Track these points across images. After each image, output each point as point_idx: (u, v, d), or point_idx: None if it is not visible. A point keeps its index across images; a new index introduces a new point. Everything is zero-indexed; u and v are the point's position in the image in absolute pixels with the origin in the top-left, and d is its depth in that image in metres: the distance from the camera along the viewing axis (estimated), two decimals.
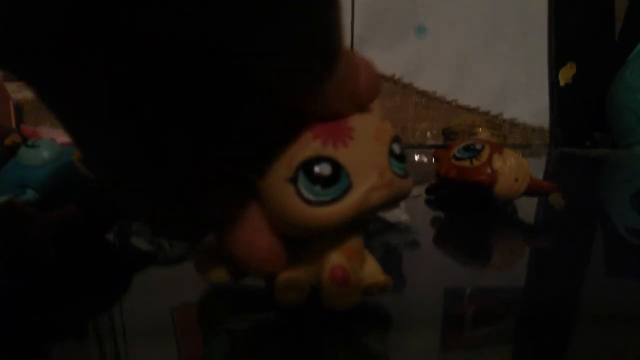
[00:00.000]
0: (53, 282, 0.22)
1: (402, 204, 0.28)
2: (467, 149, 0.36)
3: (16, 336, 0.16)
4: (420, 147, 1.01)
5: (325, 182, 0.14)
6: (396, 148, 0.15)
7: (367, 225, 0.26)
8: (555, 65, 1.08)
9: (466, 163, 0.34)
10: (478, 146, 0.35)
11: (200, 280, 0.23)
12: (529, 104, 1.08)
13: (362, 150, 0.14)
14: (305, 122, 0.14)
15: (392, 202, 0.16)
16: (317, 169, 0.13)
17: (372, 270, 0.17)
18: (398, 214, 0.29)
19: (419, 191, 0.43)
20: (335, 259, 0.16)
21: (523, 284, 0.23)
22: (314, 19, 0.10)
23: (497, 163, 0.33)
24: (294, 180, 0.14)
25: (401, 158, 0.15)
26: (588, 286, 0.22)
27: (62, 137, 0.56)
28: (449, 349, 0.16)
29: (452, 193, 0.39)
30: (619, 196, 0.49)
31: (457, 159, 0.35)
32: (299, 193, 0.14)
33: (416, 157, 0.79)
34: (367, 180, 0.14)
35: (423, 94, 1.07)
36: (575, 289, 0.22)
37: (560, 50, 1.08)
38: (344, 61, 0.13)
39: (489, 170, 0.33)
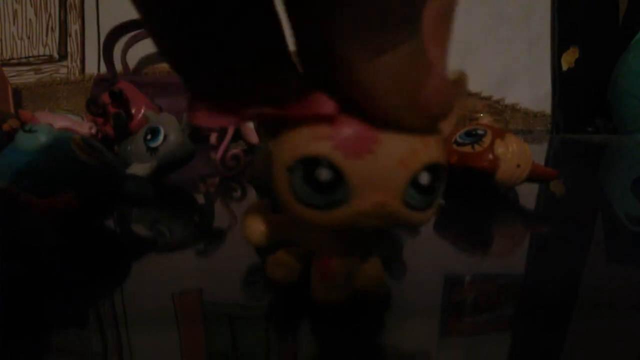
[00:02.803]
0: (52, 268, 0.22)
1: None
2: (469, 134, 0.35)
3: (16, 323, 0.16)
4: None
5: (319, 187, 0.12)
6: (424, 178, 0.13)
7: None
8: (557, 49, 1.07)
9: (468, 149, 0.34)
10: (480, 131, 0.35)
11: (199, 266, 0.23)
12: (531, 89, 1.08)
13: (377, 169, 0.12)
14: (344, 105, 0.12)
15: (392, 227, 0.15)
16: (316, 171, 0.12)
17: (371, 273, 0.16)
18: None
19: None
20: (326, 250, 0.15)
21: (524, 270, 0.23)
22: None
23: (500, 149, 0.33)
24: (291, 171, 0.13)
25: (426, 190, 0.13)
26: (588, 273, 0.22)
27: (60, 122, 0.56)
28: (449, 335, 0.16)
29: (453, 179, 0.39)
30: (620, 183, 0.49)
31: (458, 144, 0.35)
32: (291, 184, 0.13)
33: None
34: (362, 203, 0.13)
35: None
36: (576, 276, 0.22)
37: (563, 34, 1.06)
38: (415, 45, 0.10)
39: (490, 157, 0.33)
